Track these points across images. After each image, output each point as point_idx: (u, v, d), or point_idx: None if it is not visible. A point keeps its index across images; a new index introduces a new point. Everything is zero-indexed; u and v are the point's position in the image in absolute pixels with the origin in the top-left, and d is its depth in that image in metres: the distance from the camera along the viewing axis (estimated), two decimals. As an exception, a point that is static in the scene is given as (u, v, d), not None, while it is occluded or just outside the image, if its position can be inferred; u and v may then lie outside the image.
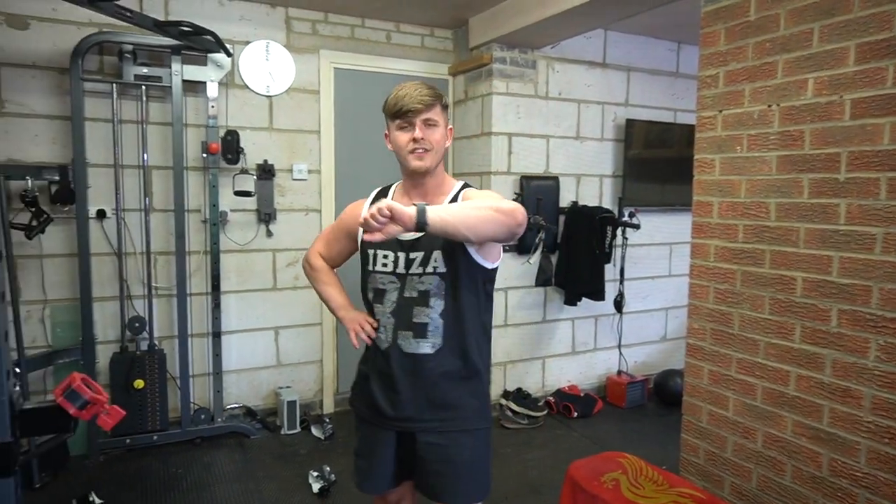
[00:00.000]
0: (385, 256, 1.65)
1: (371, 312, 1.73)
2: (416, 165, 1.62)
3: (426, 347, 1.63)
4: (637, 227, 4.09)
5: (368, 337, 1.71)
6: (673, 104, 4.50)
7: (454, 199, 1.67)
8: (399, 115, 1.60)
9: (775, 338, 2.26)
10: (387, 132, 1.68)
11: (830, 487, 2.09)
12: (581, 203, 4.18)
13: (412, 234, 1.44)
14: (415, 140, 1.60)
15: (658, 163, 4.42)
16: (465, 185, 1.74)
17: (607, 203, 4.31)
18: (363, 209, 1.72)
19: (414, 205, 1.35)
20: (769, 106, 2.26)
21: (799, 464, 2.19)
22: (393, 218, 1.32)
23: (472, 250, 1.62)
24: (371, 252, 1.68)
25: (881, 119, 1.92)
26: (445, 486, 1.68)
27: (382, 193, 1.77)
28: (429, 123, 1.61)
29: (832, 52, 2.05)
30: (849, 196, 2.02)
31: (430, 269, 1.61)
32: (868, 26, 1.95)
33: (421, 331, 1.63)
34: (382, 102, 1.66)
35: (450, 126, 1.72)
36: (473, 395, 1.71)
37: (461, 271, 1.63)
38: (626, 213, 4.15)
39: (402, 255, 1.63)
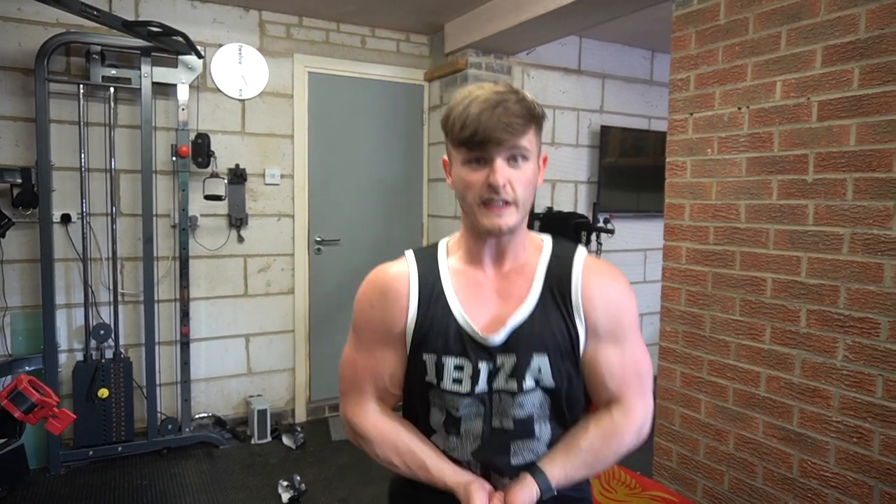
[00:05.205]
0: (458, 368, 1.06)
1: (424, 433, 1.14)
2: (490, 225, 1.02)
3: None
4: (611, 232, 4.11)
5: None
6: (647, 111, 4.55)
7: (557, 275, 1.09)
8: (469, 144, 0.99)
9: (746, 339, 2.27)
10: (446, 158, 1.09)
11: (801, 488, 2.08)
12: (556, 209, 4.18)
13: (496, 331, 1.05)
14: (491, 187, 1.00)
15: (633, 169, 4.45)
16: (556, 240, 1.16)
17: (582, 209, 4.33)
18: (403, 290, 1.10)
19: (530, 475, 0.93)
20: (739, 108, 2.28)
21: (770, 465, 2.19)
22: None
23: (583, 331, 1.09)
24: (430, 359, 1.07)
25: (847, 121, 1.95)
26: None
27: (426, 260, 1.12)
28: (517, 158, 1.01)
29: (799, 56, 2.08)
30: (816, 197, 2.04)
31: (529, 385, 1.05)
32: (834, 29, 1.98)
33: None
34: (441, 119, 1.07)
35: (544, 153, 1.10)
36: None
37: (574, 377, 1.09)
38: (601, 219, 4.17)
39: (483, 365, 1.06)
